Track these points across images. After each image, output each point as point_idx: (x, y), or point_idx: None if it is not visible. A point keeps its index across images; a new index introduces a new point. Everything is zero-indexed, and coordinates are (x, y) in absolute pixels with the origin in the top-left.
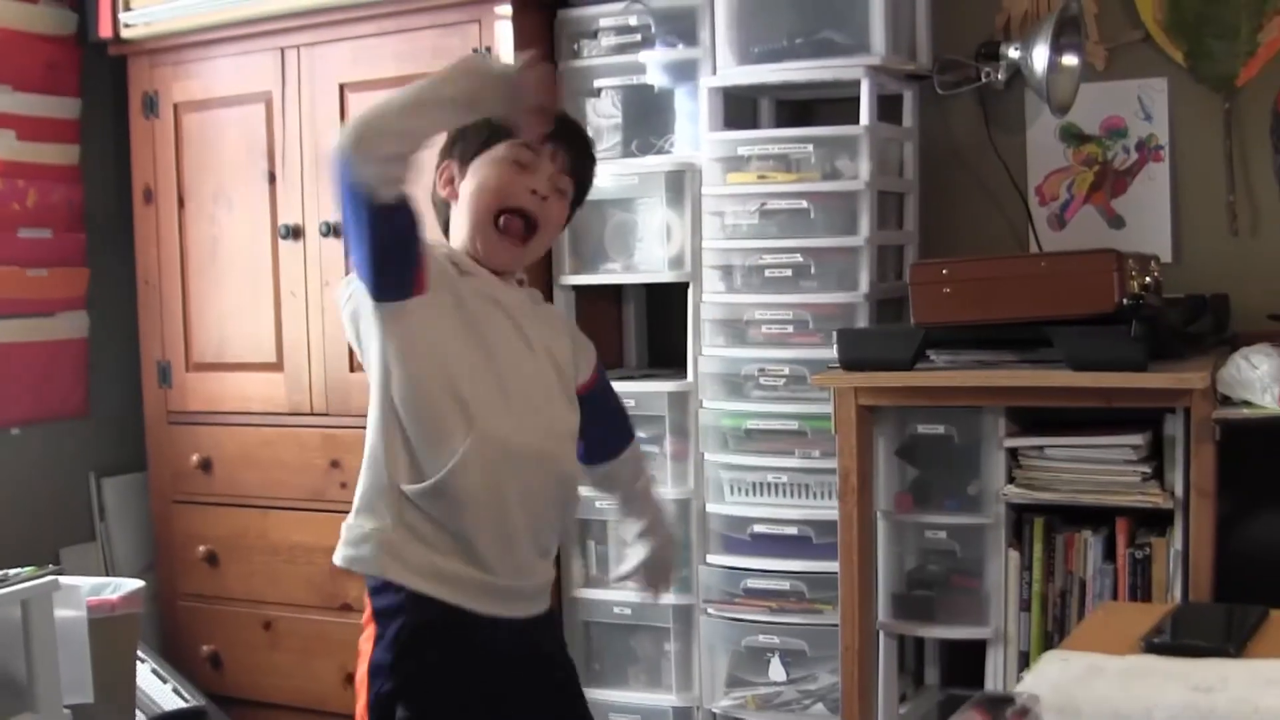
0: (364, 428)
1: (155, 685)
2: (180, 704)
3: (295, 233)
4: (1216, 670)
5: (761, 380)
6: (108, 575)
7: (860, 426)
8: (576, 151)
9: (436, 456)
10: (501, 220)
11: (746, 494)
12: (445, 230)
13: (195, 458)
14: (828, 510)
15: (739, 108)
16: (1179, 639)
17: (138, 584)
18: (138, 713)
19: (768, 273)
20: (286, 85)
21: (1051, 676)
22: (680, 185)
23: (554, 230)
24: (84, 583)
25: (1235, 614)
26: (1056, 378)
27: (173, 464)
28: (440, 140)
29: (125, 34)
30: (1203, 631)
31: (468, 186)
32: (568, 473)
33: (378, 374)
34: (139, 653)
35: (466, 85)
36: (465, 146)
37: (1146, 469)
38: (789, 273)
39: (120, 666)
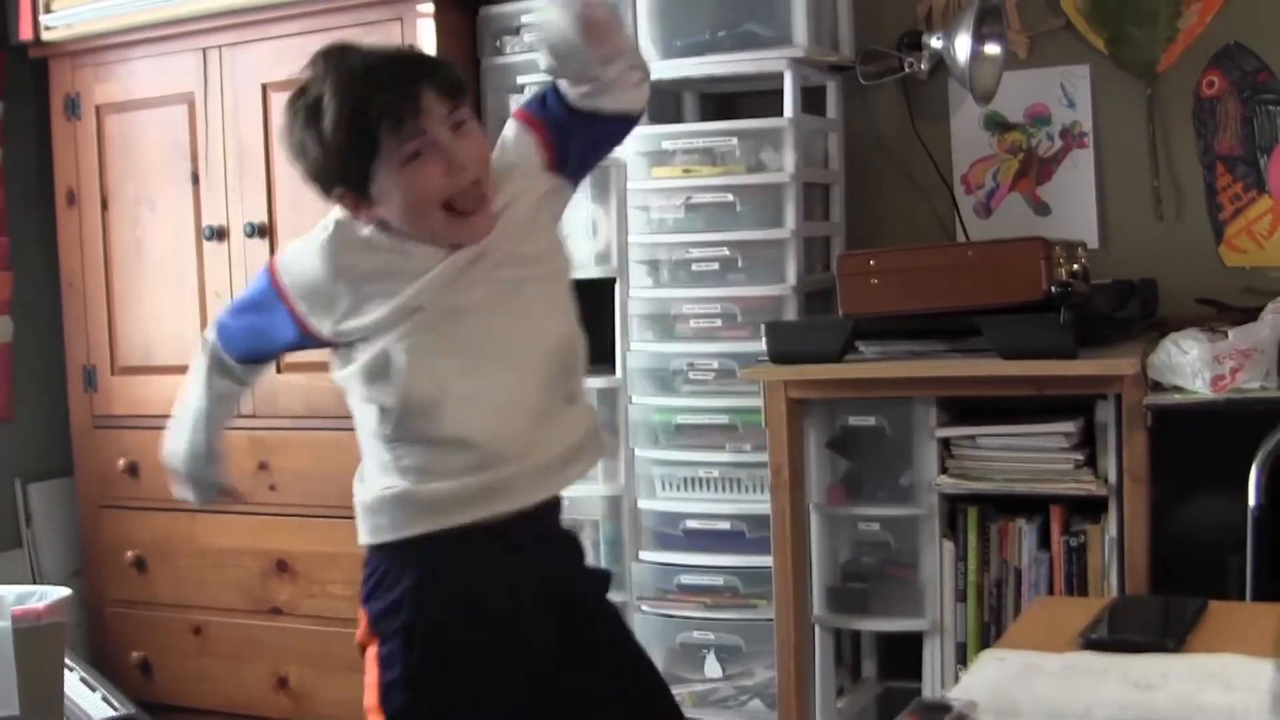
0: (291, 429)
1: (84, 694)
2: (110, 712)
3: (219, 234)
4: (1156, 666)
5: (691, 375)
6: (35, 582)
7: (791, 420)
8: (433, 83)
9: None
10: (454, 207)
11: (678, 489)
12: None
13: (122, 462)
14: (760, 504)
15: (663, 102)
16: (1117, 634)
17: (64, 592)
18: None
19: (695, 267)
20: (209, 86)
21: (989, 677)
22: (605, 180)
23: (486, 160)
24: (8, 592)
25: (1173, 607)
26: (987, 367)
27: (99, 469)
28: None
29: (46, 36)
30: (1141, 626)
31: (389, 207)
32: (559, 348)
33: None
34: (67, 661)
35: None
36: (346, 174)
37: (1079, 456)
38: (716, 266)
39: (47, 677)
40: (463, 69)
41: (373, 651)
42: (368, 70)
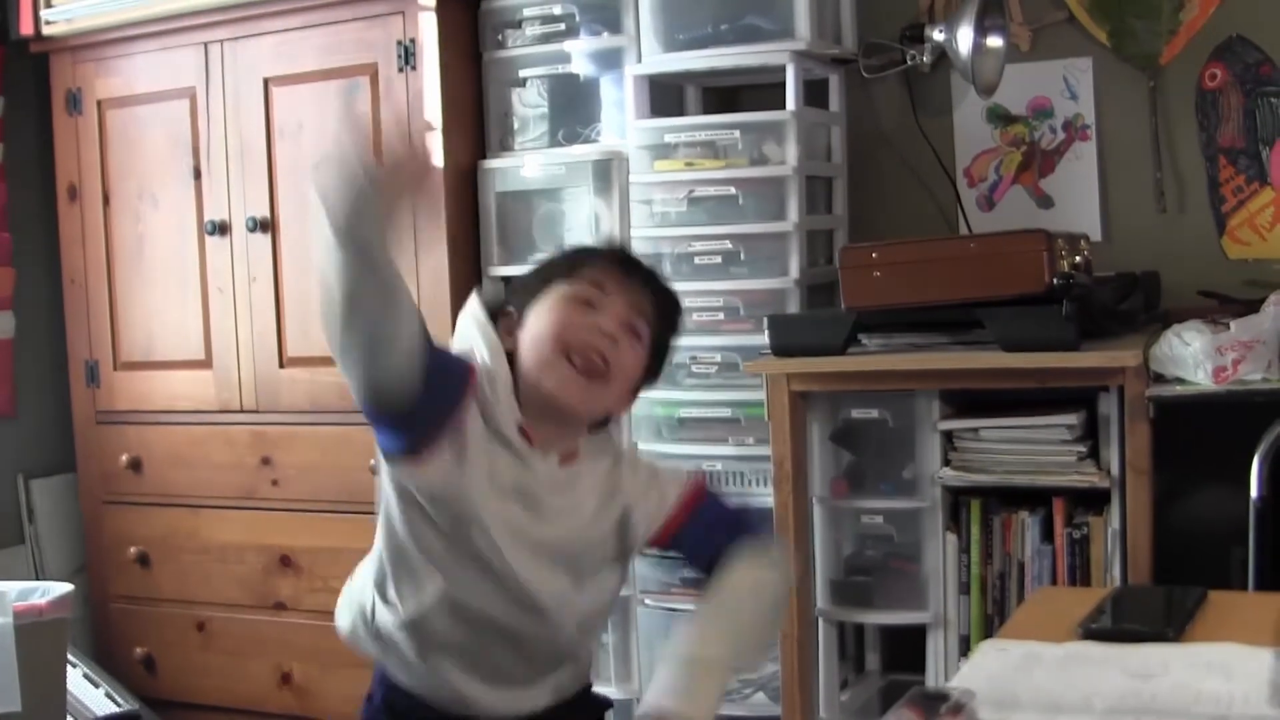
0: (294, 424)
1: (87, 690)
2: (113, 708)
3: (222, 229)
4: (1156, 655)
5: (693, 368)
6: (38, 578)
7: (793, 413)
8: (651, 290)
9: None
10: (571, 357)
11: None
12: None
13: (125, 458)
14: (763, 498)
15: (665, 95)
16: (1117, 624)
17: (66, 588)
18: (69, 719)
19: (697, 260)
20: (210, 80)
21: (989, 667)
22: (607, 174)
23: (626, 379)
24: (11, 588)
25: (1173, 596)
26: (989, 359)
27: (102, 464)
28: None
29: (47, 31)
30: (1141, 615)
31: (529, 332)
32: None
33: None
34: (70, 657)
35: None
36: (524, 293)
37: (1082, 448)
38: (718, 260)
39: (50, 673)
40: (678, 315)
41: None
42: (609, 255)
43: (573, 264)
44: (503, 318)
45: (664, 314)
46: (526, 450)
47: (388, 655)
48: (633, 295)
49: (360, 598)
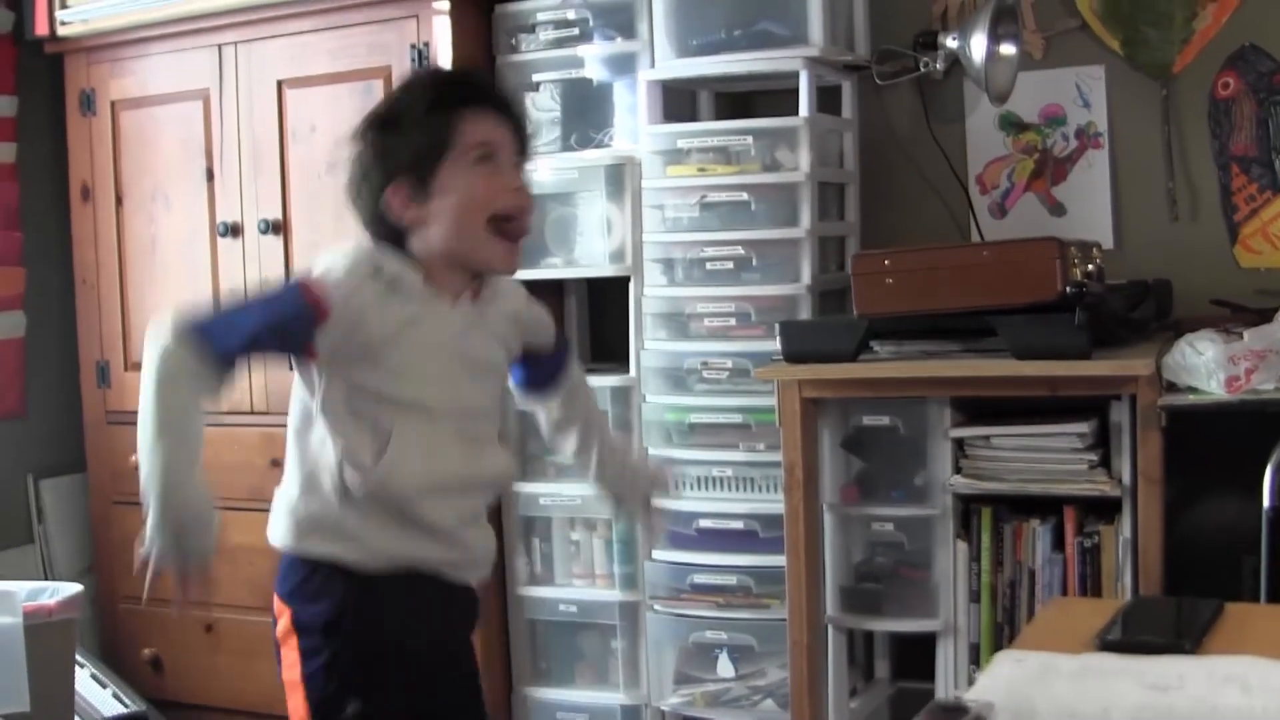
0: None
1: (95, 691)
2: (121, 709)
3: (234, 230)
4: (1173, 668)
5: (704, 374)
6: (47, 578)
7: (804, 419)
8: (515, 119)
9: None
10: (497, 226)
11: (691, 488)
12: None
13: (134, 458)
14: (773, 504)
15: (678, 100)
16: (1134, 636)
17: (75, 588)
18: (77, 719)
19: (709, 265)
20: (224, 82)
21: (1005, 677)
22: (620, 179)
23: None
24: (20, 588)
25: (1190, 609)
26: (1001, 367)
27: (112, 464)
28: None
29: (62, 31)
30: (1157, 627)
31: (442, 204)
32: (493, 478)
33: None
34: (78, 658)
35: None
36: (415, 161)
37: (1093, 457)
38: (730, 265)
39: (58, 673)
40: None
41: (294, 641)
42: (461, 73)
43: (450, 120)
44: (393, 192)
45: (527, 136)
46: (437, 303)
47: (351, 536)
48: (512, 135)
49: (305, 496)
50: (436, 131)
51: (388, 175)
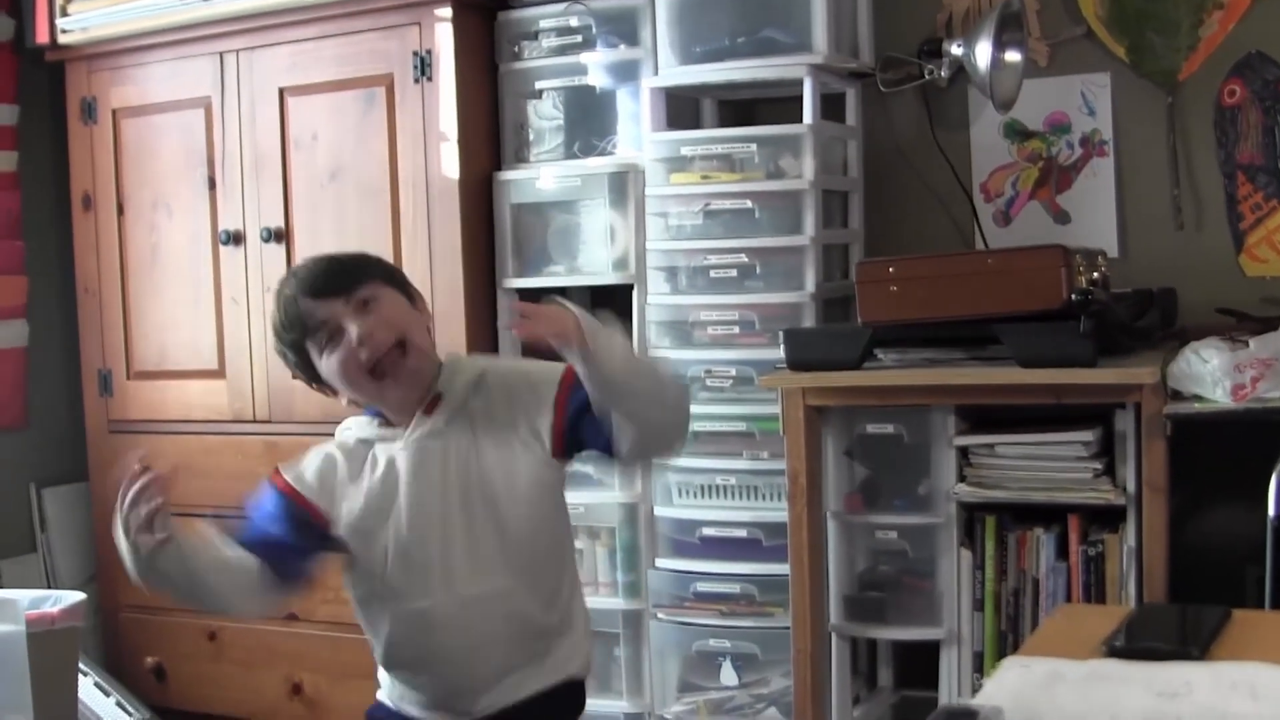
0: (307, 435)
1: (98, 699)
2: (124, 718)
3: (236, 238)
4: (1181, 674)
5: (708, 382)
6: (50, 587)
7: (808, 427)
8: (331, 277)
9: (375, 635)
10: (367, 377)
11: (695, 497)
12: None
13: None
14: (777, 512)
15: (681, 108)
16: (1141, 642)
17: (78, 596)
18: None
19: (713, 273)
20: (225, 90)
21: (1012, 684)
22: (623, 186)
23: (405, 321)
24: (23, 596)
25: (1197, 615)
26: (1005, 375)
27: (114, 474)
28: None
29: (62, 40)
30: (1165, 634)
31: (342, 392)
32: (512, 610)
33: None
34: (81, 666)
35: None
36: (299, 372)
37: (1098, 465)
38: (734, 273)
39: (61, 681)
40: (360, 258)
41: None
42: (284, 309)
43: (289, 328)
44: (314, 384)
45: (355, 271)
46: (392, 433)
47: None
48: (334, 297)
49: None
50: (296, 358)
51: (308, 383)
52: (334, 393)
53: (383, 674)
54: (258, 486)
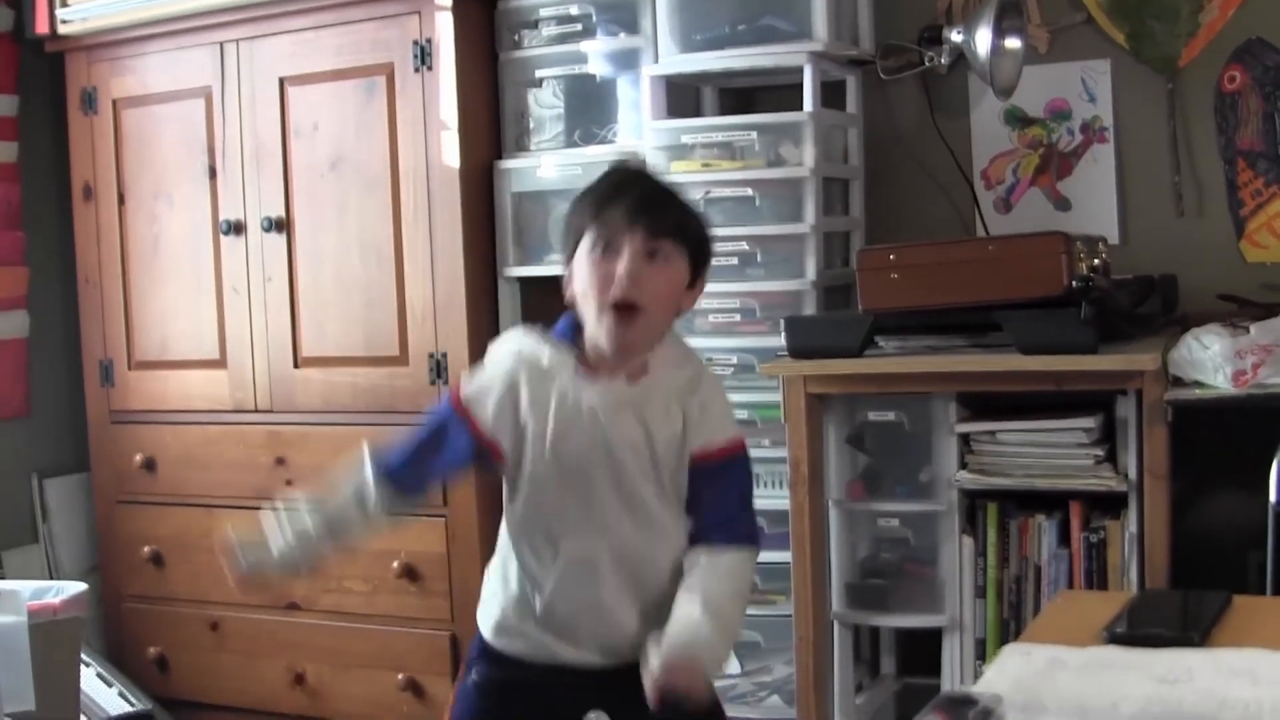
0: (308, 424)
1: (100, 689)
2: (127, 708)
3: (237, 228)
4: (1181, 660)
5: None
6: (52, 577)
7: (810, 415)
8: (659, 212)
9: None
10: (607, 308)
11: None
12: None
13: (139, 457)
14: (779, 500)
15: (682, 96)
16: (1142, 628)
17: (80, 587)
18: (83, 719)
19: (713, 261)
20: (226, 80)
21: (1013, 671)
22: None
23: (662, 299)
24: (25, 587)
25: (1198, 601)
26: (1007, 362)
27: (116, 464)
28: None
29: (62, 30)
30: (1165, 620)
31: (573, 291)
32: (647, 576)
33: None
34: (83, 656)
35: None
36: (569, 241)
37: (1099, 452)
38: (735, 261)
39: (63, 672)
40: (697, 221)
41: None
42: (614, 188)
43: (595, 209)
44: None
45: (682, 227)
46: (591, 382)
47: (507, 633)
48: (644, 228)
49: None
50: (584, 213)
51: (565, 254)
52: (568, 279)
53: (510, 617)
54: (439, 402)
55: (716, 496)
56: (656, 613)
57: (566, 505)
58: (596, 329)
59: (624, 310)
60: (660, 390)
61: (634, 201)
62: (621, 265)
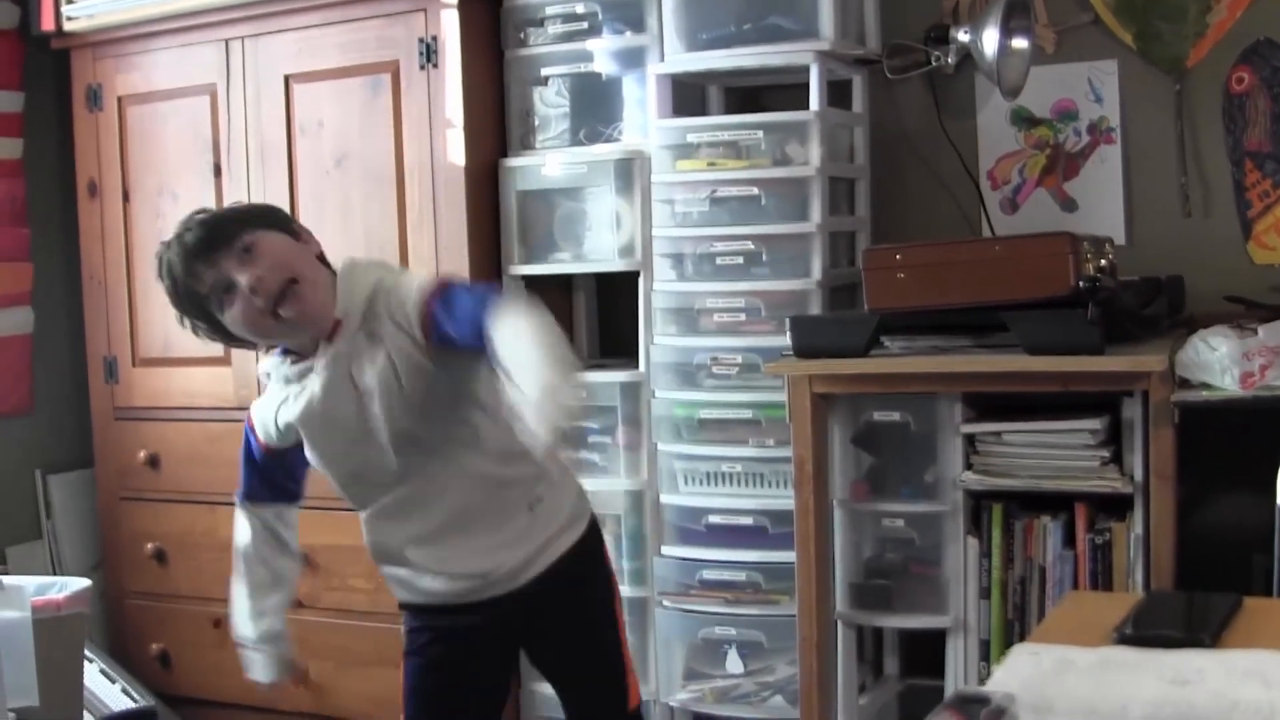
0: None
1: (104, 686)
2: (129, 704)
3: None
4: (1192, 661)
5: (714, 369)
6: (55, 573)
7: (815, 414)
8: (211, 230)
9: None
10: (272, 322)
11: (701, 484)
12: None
13: (143, 454)
14: (783, 500)
15: (687, 95)
16: (1152, 629)
17: (84, 583)
18: (86, 714)
19: (719, 260)
20: (231, 77)
21: (1023, 672)
22: (629, 173)
23: (292, 261)
24: (29, 583)
25: (1207, 603)
26: (1013, 362)
27: (120, 460)
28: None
29: (68, 27)
30: (1175, 621)
31: (247, 337)
32: (470, 468)
33: None
34: (87, 653)
35: None
36: (215, 336)
37: (1105, 453)
38: (740, 260)
39: (67, 668)
40: (236, 209)
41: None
42: (173, 283)
43: (186, 285)
44: (232, 343)
45: (230, 220)
46: (307, 365)
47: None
48: (216, 251)
49: None
50: (199, 320)
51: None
52: (253, 345)
53: (405, 575)
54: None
55: (456, 317)
56: (499, 506)
57: (367, 471)
58: (291, 334)
59: (283, 297)
60: (356, 328)
61: (189, 255)
62: (243, 279)
